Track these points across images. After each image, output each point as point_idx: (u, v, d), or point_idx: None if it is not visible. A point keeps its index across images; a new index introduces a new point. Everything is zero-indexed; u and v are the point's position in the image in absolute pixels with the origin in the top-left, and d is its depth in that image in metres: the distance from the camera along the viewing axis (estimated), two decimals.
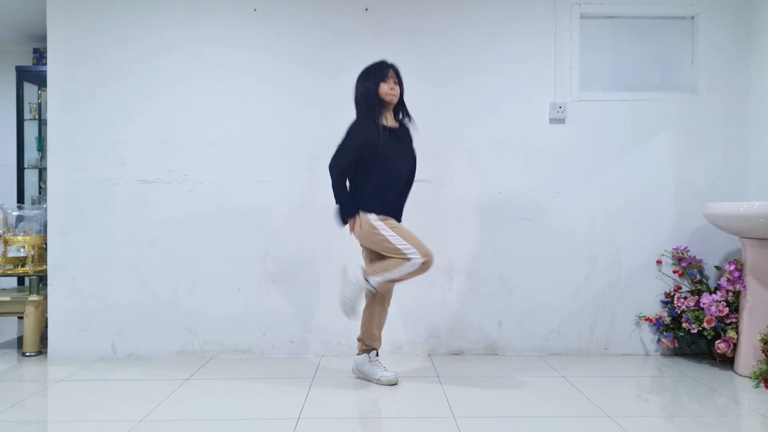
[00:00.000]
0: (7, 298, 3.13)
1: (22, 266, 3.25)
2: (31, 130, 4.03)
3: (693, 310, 2.86)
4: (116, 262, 3.05)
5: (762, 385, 2.50)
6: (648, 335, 3.08)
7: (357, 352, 2.68)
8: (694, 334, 2.86)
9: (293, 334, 3.07)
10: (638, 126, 3.10)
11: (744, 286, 2.73)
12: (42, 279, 3.26)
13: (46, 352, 3.08)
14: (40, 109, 4.02)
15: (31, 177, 4.05)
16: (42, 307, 3.14)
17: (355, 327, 3.03)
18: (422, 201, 2.98)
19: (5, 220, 3.23)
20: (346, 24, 3.07)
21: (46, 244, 3.11)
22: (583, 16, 3.11)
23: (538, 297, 3.08)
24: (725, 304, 2.79)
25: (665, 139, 3.10)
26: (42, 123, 4.01)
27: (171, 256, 3.05)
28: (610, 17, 3.14)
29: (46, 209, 3.12)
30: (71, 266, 3.04)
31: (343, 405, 2.32)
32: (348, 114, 3.01)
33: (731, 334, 2.74)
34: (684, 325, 2.86)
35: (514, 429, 2.06)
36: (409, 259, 2.42)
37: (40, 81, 3.94)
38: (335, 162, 2.53)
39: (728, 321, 2.78)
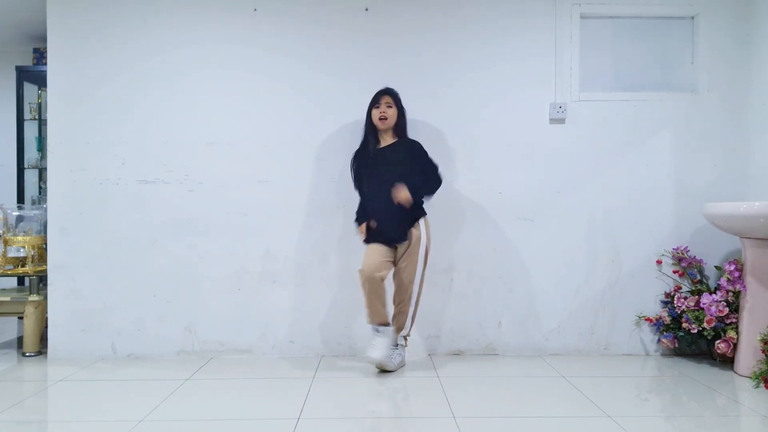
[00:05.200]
0: (7, 298, 3.13)
1: (22, 266, 3.25)
2: (31, 130, 4.03)
3: (693, 310, 2.86)
4: (116, 262, 3.05)
5: (762, 385, 2.50)
6: (648, 335, 3.08)
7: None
8: (694, 334, 2.86)
9: (293, 334, 3.07)
10: (638, 126, 3.10)
11: (744, 286, 2.73)
12: (42, 279, 3.26)
13: (46, 352, 3.08)
14: (40, 109, 4.02)
15: (31, 177, 4.05)
16: (42, 307, 3.14)
17: (354, 328, 3.04)
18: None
19: (5, 220, 3.23)
20: (347, 23, 3.07)
21: (46, 244, 3.11)
22: (583, 16, 3.11)
23: (538, 297, 3.08)
24: (725, 304, 2.79)
25: (665, 139, 3.10)
26: (42, 123, 4.01)
27: (171, 256, 3.05)
28: (610, 17, 3.14)
29: (46, 209, 3.12)
30: (71, 266, 3.05)
31: (343, 405, 2.32)
32: (348, 114, 3.04)
33: (731, 334, 2.74)
34: (684, 325, 2.86)
35: (514, 429, 2.06)
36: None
37: (40, 81, 3.94)
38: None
39: (728, 321, 2.78)
